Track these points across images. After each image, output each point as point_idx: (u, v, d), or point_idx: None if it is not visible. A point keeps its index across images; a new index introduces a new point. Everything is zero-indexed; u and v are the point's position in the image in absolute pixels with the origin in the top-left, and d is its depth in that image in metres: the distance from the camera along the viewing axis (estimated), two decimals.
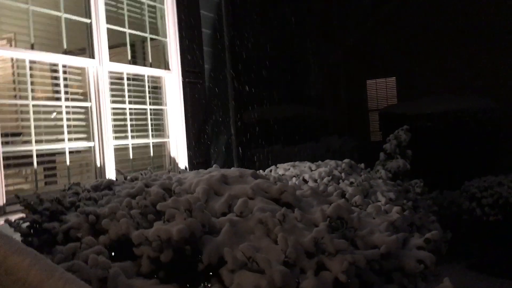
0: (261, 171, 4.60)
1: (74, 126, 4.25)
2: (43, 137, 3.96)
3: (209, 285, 2.04)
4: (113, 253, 2.24)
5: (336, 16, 12.30)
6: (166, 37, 5.40)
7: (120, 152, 4.69)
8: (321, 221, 2.28)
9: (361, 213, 2.63)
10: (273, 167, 4.98)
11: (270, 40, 9.40)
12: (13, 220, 2.47)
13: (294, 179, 4.45)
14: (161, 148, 5.35)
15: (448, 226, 5.33)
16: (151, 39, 5.25)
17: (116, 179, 3.17)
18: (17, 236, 2.39)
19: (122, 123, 4.75)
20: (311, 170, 4.64)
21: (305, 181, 4.37)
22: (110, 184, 2.92)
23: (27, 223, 2.37)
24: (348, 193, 3.07)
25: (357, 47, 12.05)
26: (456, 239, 5.34)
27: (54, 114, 4.11)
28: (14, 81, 4.25)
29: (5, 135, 3.66)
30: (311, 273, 1.93)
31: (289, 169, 4.77)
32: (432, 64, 11.03)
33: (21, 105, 3.88)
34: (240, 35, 7.61)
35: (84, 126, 4.35)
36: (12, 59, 4.27)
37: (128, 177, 3.11)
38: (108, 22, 4.56)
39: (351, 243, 2.24)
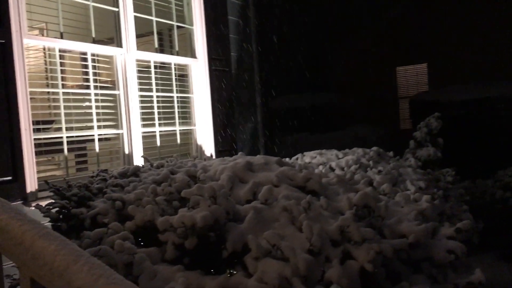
0: (287, 159, 4.56)
1: (103, 113, 4.31)
2: (73, 125, 4.04)
3: (233, 272, 2.04)
4: (139, 239, 2.26)
5: (365, 1, 12.03)
6: (192, 25, 5.40)
7: (147, 139, 4.74)
8: (347, 209, 2.24)
9: (389, 202, 2.57)
10: (299, 155, 4.94)
11: (297, 27, 9.28)
12: (43, 206, 2.53)
13: (320, 167, 4.40)
14: (187, 136, 5.38)
15: (481, 216, 5.18)
16: (178, 27, 5.26)
17: (143, 166, 3.19)
18: (47, 221, 2.45)
19: (150, 110, 4.80)
20: (338, 158, 4.58)
21: (332, 169, 4.31)
22: (136, 171, 2.95)
23: (56, 209, 2.42)
24: (375, 181, 3.01)
25: (387, 33, 11.77)
26: (488, 230, 5.19)
27: (86, 103, 4.18)
28: (46, 70, 4.34)
29: (37, 123, 3.74)
30: (336, 262, 1.90)
31: (315, 157, 4.72)
32: (465, 49, 10.68)
33: (52, 93, 3.96)
34: (267, 22, 7.54)
35: (113, 114, 4.40)
36: (44, 48, 4.36)
37: (154, 164, 3.13)
38: (135, 10, 4.59)
39: (378, 232, 2.20)
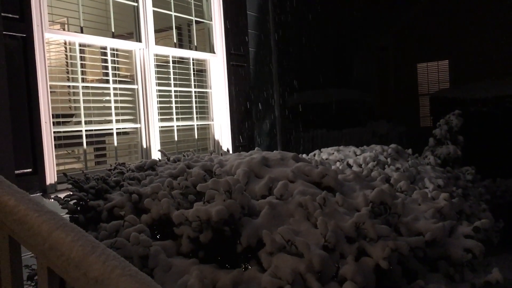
0: (304, 155, 4.55)
1: (122, 108, 4.35)
2: (93, 118, 4.09)
3: (247, 267, 2.04)
4: (155, 232, 2.28)
5: None
6: (211, 20, 5.41)
7: (165, 134, 4.78)
8: (363, 206, 2.23)
9: (406, 199, 2.54)
10: (316, 151, 4.92)
11: (317, 22, 9.22)
12: (62, 198, 2.57)
13: (338, 163, 4.37)
14: (205, 131, 5.40)
15: (501, 216, 5.09)
16: (197, 22, 5.27)
17: (160, 160, 3.22)
18: (65, 213, 2.49)
19: (168, 105, 4.83)
20: (356, 155, 4.54)
21: (349, 166, 4.28)
22: (153, 165, 2.97)
23: (74, 201, 2.45)
24: (393, 178, 2.98)
25: (408, 29, 11.61)
26: (509, 229, 5.10)
27: (106, 97, 4.23)
28: (66, 64, 4.40)
29: (57, 116, 3.80)
30: (351, 258, 1.88)
31: (333, 153, 4.69)
32: (487, 46, 10.47)
33: (72, 87, 4.02)
34: (286, 18, 7.51)
35: (131, 108, 4.44)
36: (64, 43, 4.42)
37: (171, 158, 3.15)
38: (154, 5, 4.61)
39: (394, 230, 2.18)
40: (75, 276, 1.39)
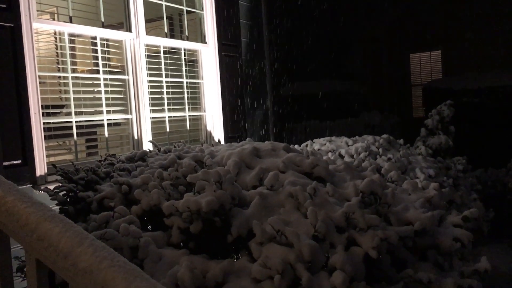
0: (296, 145, 4.55)
1: (112, 98, 4.32)
2: (83, 109, 4.05)
3: (238, 257, 2.04)
4: (145, 223, 2.27)
5: None
6: (202, 10, 5.36)
7: (157, 125, 4.75)
8: (353, 196, 2.23)
9: (396, 189, 2.55)
10: (309, 142, 4.93)
11: (309, 13, 9.19)
12: (51, 189, 2.55)
13: (330, 154, 4.38)
14: (197, 122, 5.38)
15: (492, 205, 5.13)
16: (188, 11, 5.23)
17: (150, 151, 3.20)
18: (54, 205, 2.47)
19: (159, 96, 4.80)
20: (348, 145, 4.55)
21: (341, 156, 4.29)
22: (143, 156, 2.96)
23: (63, 192, 2.44)
24: (384, 168, 2.99)
25: (401, 19, 11.59)
26: (500, 219, 5.14)
27: (97, 88, 4.19)
28: (56, 55, 4.35)
29: (47, 107, 3.76)
30: (340, 248, 1.89)
31: (325, 144, 4.70)
32: (480, 37, 10.49)
33: (62, 78, 3.98)
34: (279, 8, 7.47)
35: (122, 99, 4.41)
36: (54, 33, 4.37)
37: (162, 149, 3.14)
38: None
39: (384, 219, 2.19)
40: (63, 267, 1.39)
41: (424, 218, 2.12)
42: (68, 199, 2.42)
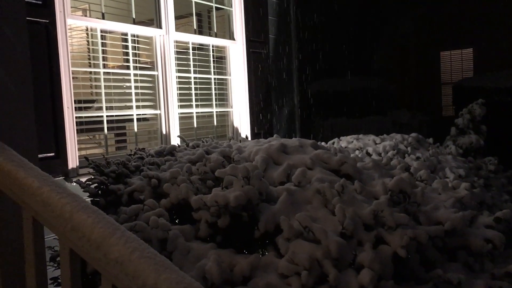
0: (323, 143, 4.52)
1: (142, 94, 4.39)
2: (113, 104, 4.13)
3: (265, 252, 2.05)
4: (173, 216, 2.31)
5: None
6: (231, 7, 5.38)
7: (184, 120, 4.81)
8: (381, 194, 2.21)
9: (426, 188, 2.52)
10: (335, 139, 4.90)
11: (337, 10, 9.10)
12: (83, 181, 2.61)
13: (357, 151, 4.34)
14: (224, 118, 5.41)
15: None
16: (217, 8, 5.25)
17: (179, 146, 3.24)
18: (86, 196, 2.53)
19: (187, 92, 4.85)
20: (375, 144, 4.50)
21: (369, 154, 4.25)
22: (172, 150, 3.00)
23: (95, 184, 2.49)
24: (413, 167, 2.95)
25: (431, 16, 11.36)
26: None
27: (127, 84, 4.26)
28: (88, 50, 4.45)
29: (79, 101, 3.85)
30: (368, 246, 1.88)
31: (352, 141, 4.66)
32: None
33: (94, 73, 4.06)
34: (307, 3, 7.43)
35: (151, 95, 4.48)
36: (86, 29, 4.46)
37: (190, 144, 3.17)
38: None
39: (414, 218, 2.16)
40: (96, 257, 1.42)
41: (454, 218, 2.09)
42: (100, 191, 2.48)
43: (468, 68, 11.41)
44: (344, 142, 4.75)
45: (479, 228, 2.24)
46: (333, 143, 4.85)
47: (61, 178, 3.39)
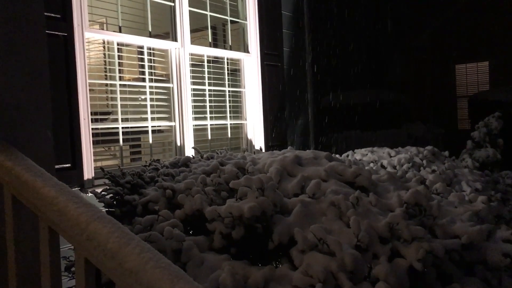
0: (337, 155, 4.51)
1: (157, 106, 4.43)
2: (129, 116, 4.18)
3: (278, 264, 2.04)
4: (187, 227, 2.31)
5: None
6: (246, 20, 5.43)
7: (199, 132, 4.84)
8: (397, 207, 2.19)
9: (442, 201, 2.48)
10: (350, 152, 4.88)
11: (352, 22, 9.12)
12: (99, 192, 2.64)
13: (371, 164, 4.31)
14: (238, 130, 5.43)
15: None
16: (231, 21, 5.31)
17: (193, 157, 3.26)
18: (102, 207, 2.55)
19: (202, 104, 4.89)
20: (390, 156, 4.47)
21: (383, 167, 4.22)
22: (187, 162, 3.01)
23: (110, 195, 2.51)
24: (428, 180, 2.91)
25: (447, 29, 11.32)
26: None
27: (142, 96, 4.32)
28: (104, 63, 4.52)
29: (95, 113, 3.90)
30: (384, 259, 1.85)
31: (366, 154, 4.63)
32: None
33: (110, 85, 4.12)
34: (321, 17, 7.46)
35: (166, 107, 4.52)
36: (103, 42, 4.54)
37: (205, 156, 3.19)
38: (190, 5, 4.68)
39: (430, 232, 2.13)
40: (111, 267, 1.42)
41: (472, 232, 2.05)
42: (115, 202, 2.49)
43: (484, 81, 11.32)
44: (358, 154, 4.72)
45: (496, 242, 2.19)
46: (348, 155, 4.82)
47: (77, 189, 3.43)
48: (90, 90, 3.73)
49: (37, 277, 1.73)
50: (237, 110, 5.42)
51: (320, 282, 1.70)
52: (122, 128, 4.03)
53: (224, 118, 5.17)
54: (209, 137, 4.96)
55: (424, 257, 1.84)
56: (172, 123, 4.52)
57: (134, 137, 4.33)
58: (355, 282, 1.77)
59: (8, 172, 1.76)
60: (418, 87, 11.84)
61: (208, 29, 5.02)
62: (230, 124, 5.24)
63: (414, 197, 2.17)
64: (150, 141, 4.31)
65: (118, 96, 4.02)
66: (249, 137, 5.44)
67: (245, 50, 5.45)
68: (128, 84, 4.32)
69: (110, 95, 4.22)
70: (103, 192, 2.53)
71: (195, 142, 4.69)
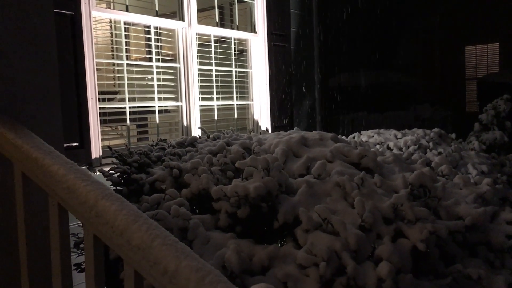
0: (343, 137, 4.51)
1: (164, 86, 4.44)
2: (136, 96, 4.19)
3: (283, 243, 2.07)
4: (194, 206, 2.34)
5: None
6: (253, 0, 5.38)
7: (205, 113, 4.85)
8: (401, 188, 2.20)
9: (447, 183, 2.49)
10: (356, 134, 4.87)
11: (360, 3, 9.01)
12: (106, 170, 2.67)
13: (377, 146, 4.32)
14: (244, 111, 5.44)
15: None
16: (239, 1, 5.27)
17: (200, 137, 3.28)
18: (109, 185, 2.59)
19: (208, 84, 4.88)
20: (397, 138, 4.47)
21: (390, 149, 4.22)
22: (193, 141, 3.03)
23: (118, 173, 2.54)
24: (434, 162, 2.92)
25: (456, 10, 11.15)
26: None
27: (149, 76, 4.32)
28: (111, 42, 4.52)
29: (103, 93, 3.92)
30: (387, 239, 1.88)
31: (373, 136, 4.63)
32: None
33: (117, 65, 4.12)
34: None
35: (173, 87, 4.52)
36: (110, 21, 4.53)
37: (211, 136, 3.21)
38: None
39: (434, 213, 2.15)
40: (118, 243, 1.45)
41: (475, 213, 2.07)
42: (122, 180, 2.52)
43: (494, 63, 11.18)
44: (365, 136, 4.72)
45: (500, 224, 2.21)
46: (354, 137, 4.82)
47: (85, 167, 3.47)
48: (97, 69, 3.74)
49: (46, 254, 1.77)
50: (244, 91, 5.41)
51: (324, 261, 1.73)
52: (129, 107, 4.05)
53: (231, 98, 5.17)
54: (216, 118, 4.97)
55: (428, 237, 1.86)
56: (179, 103, 4.53)
57: (141, 116, 4.35)
58: (358, 261, 1.79)
59: (17, 149, 1.79)
60: (427, 69, 11.72)
61: (215, 8, 4.99)
62: (237, 104, 5.25)
63: (419, 179, 2.18)
64: (157, 121, 4.33)
65: (125, 75, 4.03)
66: (256, 117, 5.45)
67: (252, 30, 5.41)
68: (135, 64, 4.32)
69: (117, 75, 4.23)
70: (110, 171, 2.56)
71: (202, 122, 4.70)
